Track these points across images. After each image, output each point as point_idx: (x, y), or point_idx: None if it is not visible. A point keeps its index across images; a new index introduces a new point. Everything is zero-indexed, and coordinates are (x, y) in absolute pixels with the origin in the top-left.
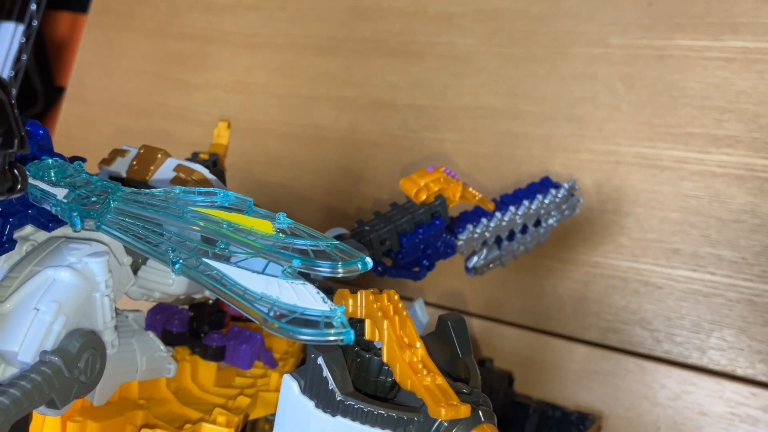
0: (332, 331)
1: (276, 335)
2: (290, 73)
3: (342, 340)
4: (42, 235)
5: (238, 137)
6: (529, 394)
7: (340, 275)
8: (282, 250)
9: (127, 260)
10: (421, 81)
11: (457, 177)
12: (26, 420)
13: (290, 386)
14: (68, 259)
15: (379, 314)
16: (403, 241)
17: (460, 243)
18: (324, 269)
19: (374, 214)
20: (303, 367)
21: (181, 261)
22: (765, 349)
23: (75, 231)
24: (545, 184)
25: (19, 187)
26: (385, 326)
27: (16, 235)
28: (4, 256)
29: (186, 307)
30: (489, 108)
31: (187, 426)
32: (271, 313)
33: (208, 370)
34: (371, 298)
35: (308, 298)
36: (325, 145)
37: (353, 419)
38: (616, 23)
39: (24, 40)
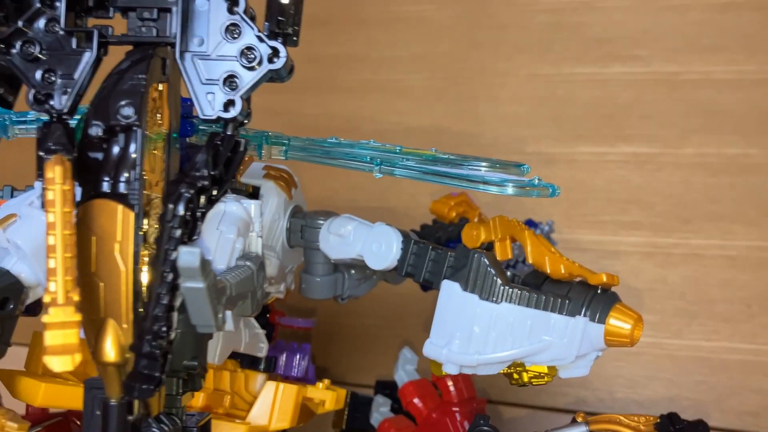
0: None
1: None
2: None
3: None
4: None
5: None
6: None
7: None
8: None
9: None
10: None
11: (475, 202)
12: None
13: (452, 287)
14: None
15: (517, 226)
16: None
17: None
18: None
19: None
20: (460, 272)
21: (378, 162)
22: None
23: (259, 159)
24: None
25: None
26: (526, 233)
27: None
28: None
29: None
30: None
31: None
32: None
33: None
34: (504, 218)
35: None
36: None
37: (518, 303)
38: (530, 136)
39: None
